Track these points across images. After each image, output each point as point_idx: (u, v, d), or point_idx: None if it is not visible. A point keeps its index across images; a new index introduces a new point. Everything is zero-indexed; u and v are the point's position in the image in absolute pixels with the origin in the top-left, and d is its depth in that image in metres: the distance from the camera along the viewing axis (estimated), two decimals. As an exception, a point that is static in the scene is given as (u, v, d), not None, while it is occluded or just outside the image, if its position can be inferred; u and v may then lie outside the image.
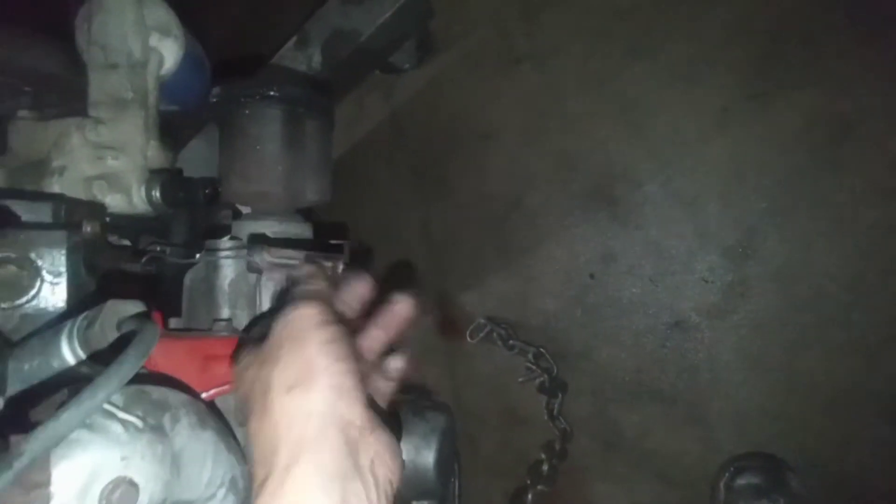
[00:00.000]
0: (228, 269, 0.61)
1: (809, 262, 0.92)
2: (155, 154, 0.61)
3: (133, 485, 0.30)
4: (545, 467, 0.96)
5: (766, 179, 0.93)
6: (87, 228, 0.48)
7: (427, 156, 1.18)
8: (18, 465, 0.28)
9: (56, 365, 0.36)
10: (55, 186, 0.54)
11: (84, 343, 0.36)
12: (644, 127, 1.02)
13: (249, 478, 0.37)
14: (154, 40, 0.62)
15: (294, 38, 0.95)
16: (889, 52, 0.85)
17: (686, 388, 1.01)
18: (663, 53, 1.00)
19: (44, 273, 0.41)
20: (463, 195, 1.16)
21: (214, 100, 0.67)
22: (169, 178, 0.60)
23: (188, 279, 0.63)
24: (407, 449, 0.74)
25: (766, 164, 0.93)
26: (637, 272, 1.03)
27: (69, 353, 0.35)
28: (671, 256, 1.01)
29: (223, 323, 0.56)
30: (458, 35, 1.13)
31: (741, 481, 0.97)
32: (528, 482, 0.96)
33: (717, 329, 0.98)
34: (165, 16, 0.63)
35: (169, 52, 0.63)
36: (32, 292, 0.40)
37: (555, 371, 1.07)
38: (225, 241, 0.61)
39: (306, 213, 0.73)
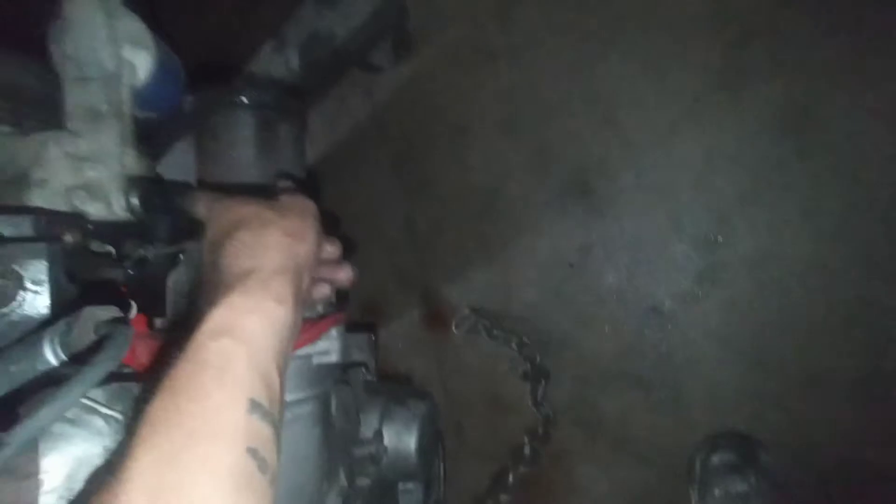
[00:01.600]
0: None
1: (778, 248, 0.95)
2: (132, 162, 0.63)
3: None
4: (527, 450, 1.00)
5: (735, 168, 0.96)
6: (68, 238, 0.51)
7: (408, 151, 1.20)
8: (1, 456, 0.31)
9: (40, 367, 0.38)
10: (37, 198, 0.56)
11: (65, 346, 0.39)
12: (617, 118, 1.04)
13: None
14: (126, 52, 0.63)
15: (271, 42, 0.97)
16: (849, 45, 0.88)
17: (663, 372, 1.04)
18: (635, 46, 1.02)
19: (27, 283, 0.43)
20: (444, 189, 1.18)
21: (188, 107, 0.69)
22: (146, 185, 0.62)
23: (171, 280, 0.66)
24: (389, 436, 0.77)
25: (734, 154, 0.95)
26: (614, 261, 1.06)
27: (52, 356, 0.38)
28: (646, 245, 1.03)
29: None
30: (435, 32, 1.15)
31: (715, 459, 1.01)
32: (511, 464, 0.99)
33: (692, 314, 1.01)
34: (137, 27, 0.65)
35: (142, 62, 0.65)
36: (17, 301, 0.43)
37: (537, 359, 1.10)
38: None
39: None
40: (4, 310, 0.43)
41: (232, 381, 0.33)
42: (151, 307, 0.63)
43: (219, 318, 0.36)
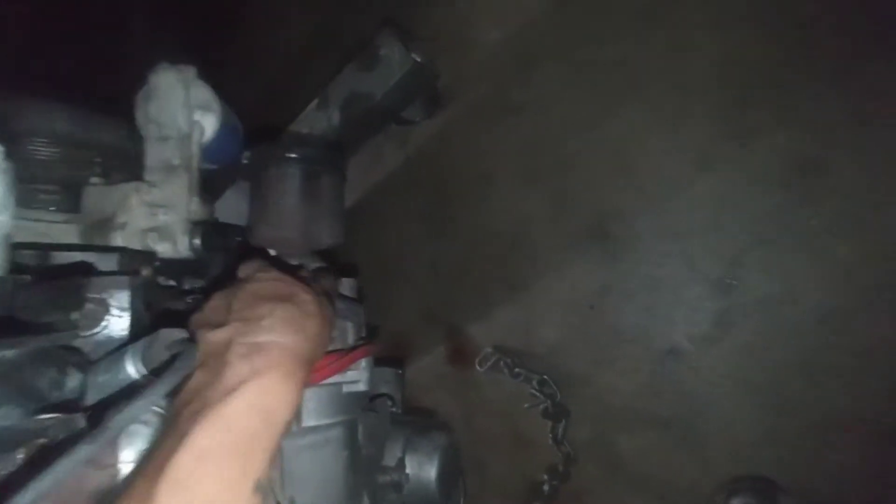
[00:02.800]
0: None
1: (791, 291, 0.98)
2: (196, 208, 0.73)
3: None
4: (546, 487, 1.02)
5: (746, 214, 1.00)
6: (143, 273, 0.60)
7: (436, 197, 1.29)
8: (90, 450, 0.38)
9: (122, 378, 0.46)
10: (118, 239, 0.67)
11: (143, 361, 0.47)
12: (633, 168, 1.10)
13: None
14: (197, 115, 0.75)
15: (315, 101, 1.09)
16: (848, 95, 0.93)
17: (680, 412, 1.06)
18: (648, 100, 1.09)
19: (112, 309, 0.52)
20: (469, 233, 1.26)
21: (246, 161, 0.79)
22: (207, 228, 0.72)
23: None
24: (411, 465, 0.82)
25: (745, 201, 1.00)
26: (632, 303, 1.10)
27: (132, 370, 0.46)
28: (663, 287, 1.08)
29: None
30: (463, 91, 1.25)
31: (735, 502, 1.01)
32: (530, 500, 1.01)
33: (708, 355, 1.04)
34: (207, 95, 0.76)
35: (209, 124, 0.76)
36: (104, 324, 0.52)
37: (558, 397, 1.14)
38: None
39: (325, 254, 0.84)
40: (94, 331, 0.52)
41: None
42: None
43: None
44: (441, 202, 1.29)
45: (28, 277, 0.51)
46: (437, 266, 1.30)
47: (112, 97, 0.75)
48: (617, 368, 1.11)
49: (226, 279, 0.70)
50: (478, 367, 1.22)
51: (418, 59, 1.03)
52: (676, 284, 1.06)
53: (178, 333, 0.48)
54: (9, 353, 0.42)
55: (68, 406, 0.44)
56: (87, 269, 0.55)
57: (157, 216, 0.69)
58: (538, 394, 1.15)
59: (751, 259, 1.01)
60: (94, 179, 0.69)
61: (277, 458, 0.63)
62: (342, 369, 0.68)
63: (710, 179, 1.04)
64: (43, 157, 0.65)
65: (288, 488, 0.64)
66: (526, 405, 1.16)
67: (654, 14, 1.09)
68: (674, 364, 1.07)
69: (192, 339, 0.48)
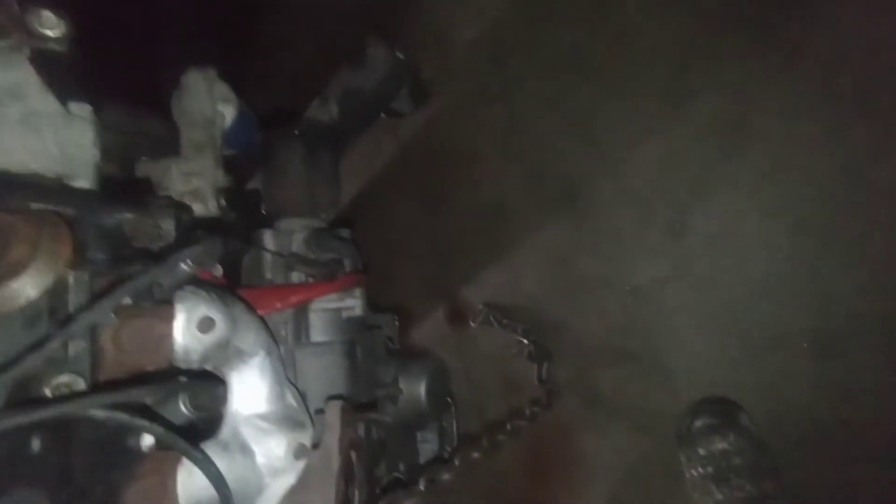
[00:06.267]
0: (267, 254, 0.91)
1: (733, 228, 1.12)
2: (221, 178, 0.93)
3: (212, 320, 0.59)
4: (528, 412, 1.16)
5: (688, 167, 1.15)
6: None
7: (428, 179, 1.47)
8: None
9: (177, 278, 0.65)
10: (163, 199, 0.86)
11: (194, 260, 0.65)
12: (593, 137, 1.26)
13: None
14: (219, 105, 0.95)
15: (317, 99, 1.29)
16: (775, 60, 1.08)
17: (648, 346, 1.20)
18: (603, 78, 1.26)
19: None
20: (459, 208, 1.44)
21: (259, 141, 0.99)
22: (231, 192, 0.92)
23: (245, 261, 0.93)
24: (403, 383, 0.99)
25: (687, 155, 1.15)
26: (598, 254, 1.25)
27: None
28: (624, 238, 1.22)
29: (266, 280, 0.86)
30: (446, 83, 1.44)
31: (698, 423, 1.12)
32: (509, 419, 1.14)
33: (668, 293, 1.18)
34: (226, 90, 0.97)
35: (228, 112, 0.96)
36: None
37: (540, 342, 1.29)
38: (266, 233, 0.91)
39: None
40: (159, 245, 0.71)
41: None
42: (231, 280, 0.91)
43: None
44: (433, 184, 1.47)
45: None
46: (433, 241, 1.48)
47: (150, 94, 0.96)
48: (589, 313, 1.25)
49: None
50: (472, 324, 1.39)
51: (401, 56, 1.22)
52: (635, 234, 1.21)
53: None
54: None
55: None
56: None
57: (191, 182, 0.88)
58: (523, 340, 1.30)
59: (697, 205, 1.15)
60: (143, 157, 0.89)
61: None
62: (339, 290, 0.85)
63: (658, 139, 1.19)
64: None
65: (300, 385, 0.81)
66: (513, 351, 1.32)
67: (602, 5, 1.26)
68: (639, 304, 1.21)
69: (220, 241, 0.66)
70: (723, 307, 1.13)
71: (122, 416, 0.45)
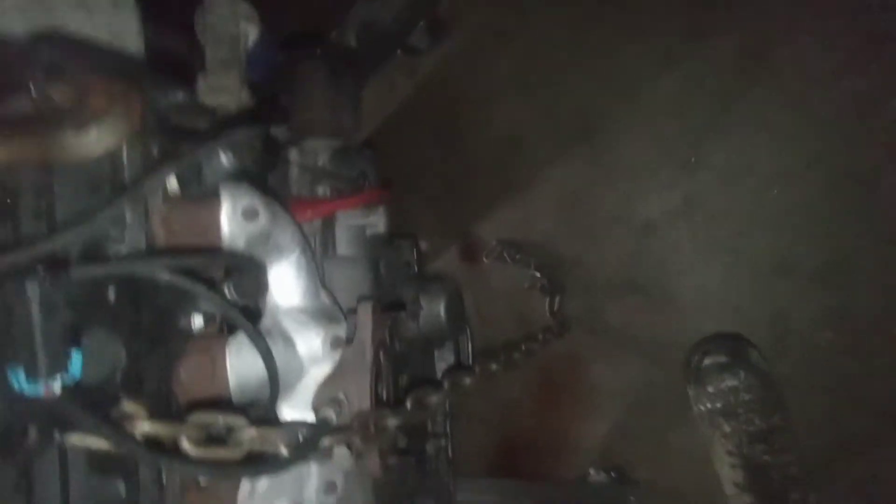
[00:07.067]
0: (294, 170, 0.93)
1: (746, 162, 1.13)
2: (245, 97, 0.93)
3: (256, 210, 0.61)
4: (540, 337, 1.20)
5: (705, 103, 1.16)
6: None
7: (444, 117, 1.48)
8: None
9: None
10: (191, 113, 0.88)
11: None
12: (610, 73, 1.27)
13: None
14: (241, 25, 0.95)
15: (335, 31, 1.29)
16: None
17: (658, 279, 1.23)
18: (621, 13, 1.25)
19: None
20: (474, 146, 1.44)
21: (280, 62, 1.00)
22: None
23: (270, 180, 0.95)
24: (424, 301, 1.02)
25: (703, 91, 1.16)
26: (613, 189, 1.27)
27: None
28: (638, 173, 1.24)
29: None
30: (463, 21, 1.43)
31: (707, 361, 1.15)
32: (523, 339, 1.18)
33: (680, 227, 1.21)
34: (249, 9, 0.97)
35: (251, 30, 0.96)
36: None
37: (552, 276, 1.32)
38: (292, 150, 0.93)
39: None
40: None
41: None
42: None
43: None
44: (449, 121, 1.48)
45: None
46: (447, 178, 1.49)
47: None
48: (602, 247, 1.28)
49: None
50: (485, 260, 1.41)
51: (419, -13, 1.22)
52: (650, 169, 1.23)
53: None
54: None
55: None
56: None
57: (218, 97, 0.89)
58: (536, 274, 1.33)
59: (712, 140, 1.16)
60: (170, 72, 0.90)
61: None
62: (363, 203, 0.88)
63: (676, 76, 1.20)
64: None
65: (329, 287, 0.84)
66: (526, 285, 1.35)
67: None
68: (650, 238, 1.23)
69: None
70: (732, 240, 1.15)
71: (186, 282, 0.48)
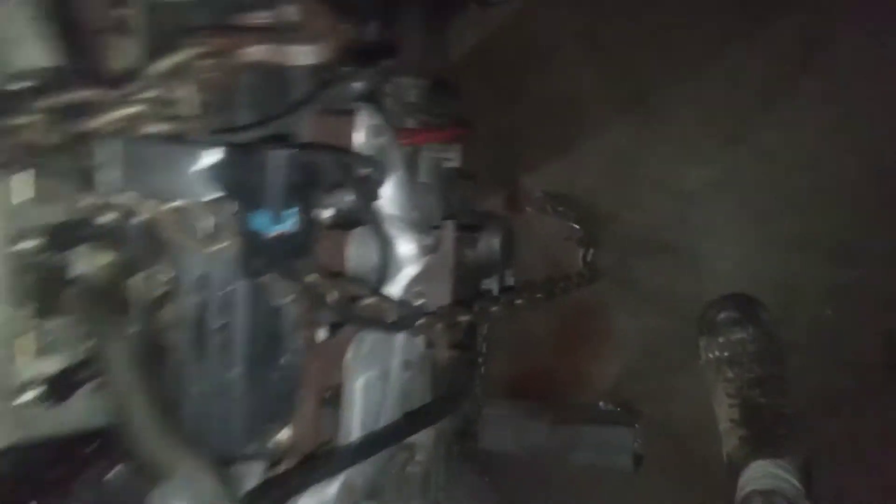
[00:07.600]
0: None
1: (789, 146, 1.24)
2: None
3: (381, 128, 0.74)
4: (574, 278, 1.34)
5: (757, 82, 1.25)
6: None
7: (507, 70, 1.57)
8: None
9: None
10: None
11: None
12: (669, 47, 1.35)
13: None
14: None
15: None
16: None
17: (688, 244, 1.35)
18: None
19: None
20: (530, 101, 1.54)
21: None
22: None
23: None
24: (482, 236, 1.16)
25: (758, 71, 1.25)
26: (658, 155, 1.38)
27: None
28: (683, 143, 1.35)
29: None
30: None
31: (722, 315, 1.30)
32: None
33: (715, 198, 1.32)
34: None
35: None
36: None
37: (590, 229, 1.45)
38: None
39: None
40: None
41: None
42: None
43: None
44: (510, 74, 1.57)
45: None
46: (502, 130, 1.60)
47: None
48: (640, 208, 1.40)
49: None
50: (527, 209, 1.54)
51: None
52: (695, 142, 1.33)
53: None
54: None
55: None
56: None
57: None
58: (575, 226, 1.46)
59: (758, 118, 1.26)
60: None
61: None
62: (450, 137, 1.00)
63: (734, 55, 1.28)
64: None
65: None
66: (564, 236, 1.48)
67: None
68: (688, 205, 1.35)
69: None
70: (761, 214, 1.27)
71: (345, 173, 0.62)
